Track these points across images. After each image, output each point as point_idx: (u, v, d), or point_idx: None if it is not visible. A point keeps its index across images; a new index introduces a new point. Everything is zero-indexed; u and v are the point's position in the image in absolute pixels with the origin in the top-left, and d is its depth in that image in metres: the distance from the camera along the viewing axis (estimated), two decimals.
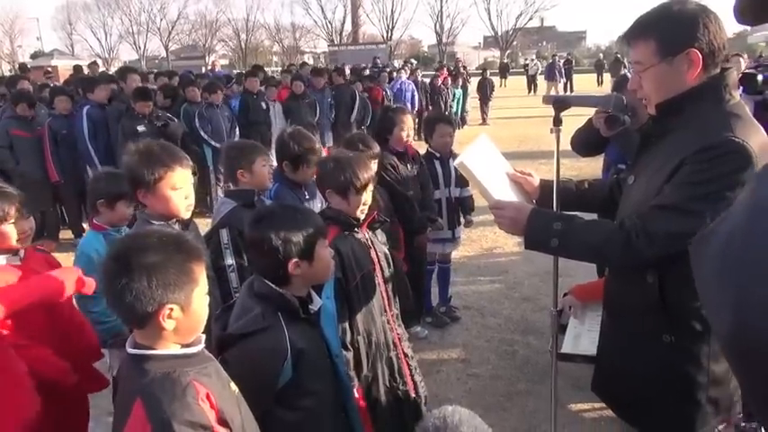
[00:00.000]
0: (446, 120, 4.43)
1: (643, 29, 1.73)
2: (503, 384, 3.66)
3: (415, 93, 12.84)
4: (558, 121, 2.04)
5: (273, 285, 1.76)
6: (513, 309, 4.72)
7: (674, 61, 1.67)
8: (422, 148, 4.37)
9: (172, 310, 1.34)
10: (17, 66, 22.79)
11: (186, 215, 2.26)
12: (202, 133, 7.57)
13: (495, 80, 19.40)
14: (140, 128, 6.38)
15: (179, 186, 2.21)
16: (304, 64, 13.76)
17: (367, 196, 2.39)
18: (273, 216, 1.82)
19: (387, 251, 2.52)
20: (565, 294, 2.75)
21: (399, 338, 2.49)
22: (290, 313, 1.77)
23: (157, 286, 1.30)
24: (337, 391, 1.99)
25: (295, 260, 1.78)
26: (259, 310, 1.74)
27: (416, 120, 10.63)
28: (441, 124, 4.22)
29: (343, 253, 2.23)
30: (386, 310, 2.42)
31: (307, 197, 3.17)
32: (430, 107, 13.19)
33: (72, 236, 6.77)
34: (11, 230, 2.29)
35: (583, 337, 2.64)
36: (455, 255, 4.70)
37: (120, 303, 1.32)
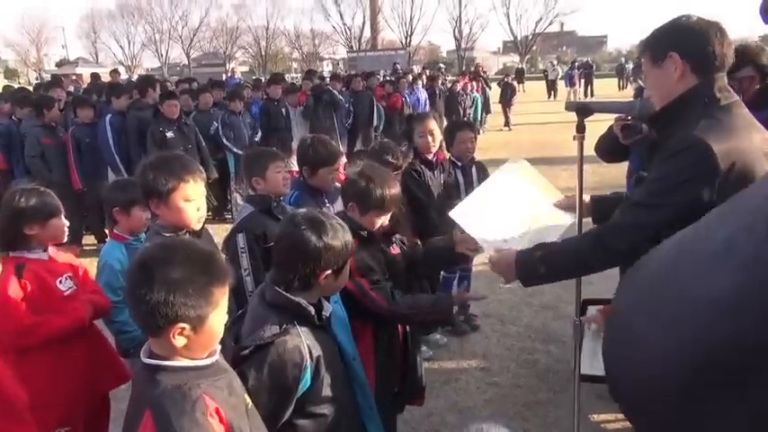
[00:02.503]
0: (466, 126, 4.39)
1: (644, 43, 1.93)
2: (523, 393, 3.61)
3: (427, 101, 12.80)
4: (581, 128, 2.01)
5: (288, 294, 1.75)
6: (533, 317, 4.67)
7: (662, 66, 1.83)
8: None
9: (183, 329, 1.33)
10: (43, 74, 23.27)
11: (197, 227, 2.29)
12: (225, 141, 7.64)
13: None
14: (170, 134, 6.45)
15: (192, 198, 2.23)
16: (312, 72, 13.70)
17: (386, 218, 2.38)
18: (322, 224, 1.78)
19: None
20: (585, 302, 2.68)
21: None
22: (306, 321, 1.76)
23: (173, 303, 1.29)
24: (353, 395, 1.98)
25: (329, 271, 1.78)
26: (275, 319, 1.73)
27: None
28: (461, 131, 4.18)
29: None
30: None
31: (327, 204, 3.17)
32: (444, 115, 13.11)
33: (95, 241, 6.87)
34: (63, 224, 2.49)
35: (599, 356, 2.58)
36: (474, 261, 4.66)
37: (135, 310, 1.34)
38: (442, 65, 20.26)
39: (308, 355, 1.71)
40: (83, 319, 2.48)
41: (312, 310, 1.77)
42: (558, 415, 3.36)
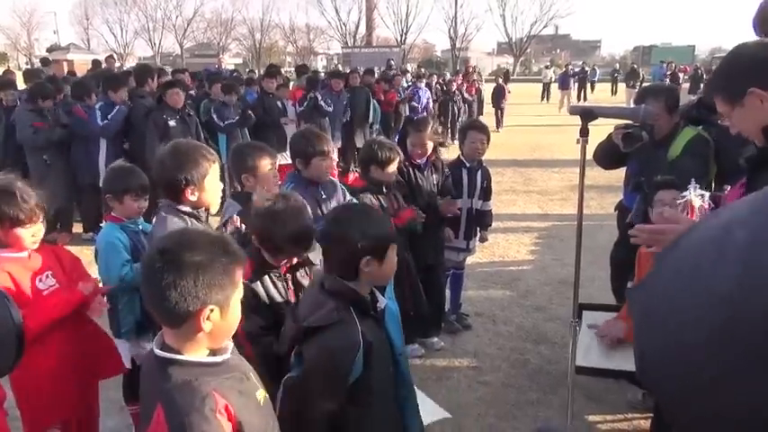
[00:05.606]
0: (477, 127, 4.29)
1: (711, 87, 1.83)
2: (514, 393, 3.64)
3: (430, 99, 12.83)
4: (584, 132, 2.03)
5: (346, 282, 1.83)
6: (525, 317, 4.70)
7: (744, 103, 1.73)
8: (455, 153, 4.33)
9: (212, 311, 1.34)
10: (33, 59, 22.97)
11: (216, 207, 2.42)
12: (220, 131, 7.62)
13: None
14: (172, 123, 6.38)
15: (217, 178, 2.38)
16: (303, 67, 13.53)
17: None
18: (355, 214, 1.95)
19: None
20: (581, 306, 2.70)
21: None
22: (361, 309, 1.83)
23: (203, 285, 1.30)
24: (398, 389, 2.02)
25: (368, 257, 1.82)
26: (332, 304, 1.79)
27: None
28: (472, 131, 4.16)
29: None
30: None
31: (323, 197, 3.17)
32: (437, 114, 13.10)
33: (82, 230, 6.78)
34: (24, 234, 2.35)
35: (592, 350, 2.62)
36: (467, 261, 4.69)
37: (161, 300, 1.30)
38: (447, 72, 18.74)
39: (362, 341, 1.77)
40: (59, 315, 2.38)
41: (368, 298, 1.86)
42: (547, 415, 3.39)
